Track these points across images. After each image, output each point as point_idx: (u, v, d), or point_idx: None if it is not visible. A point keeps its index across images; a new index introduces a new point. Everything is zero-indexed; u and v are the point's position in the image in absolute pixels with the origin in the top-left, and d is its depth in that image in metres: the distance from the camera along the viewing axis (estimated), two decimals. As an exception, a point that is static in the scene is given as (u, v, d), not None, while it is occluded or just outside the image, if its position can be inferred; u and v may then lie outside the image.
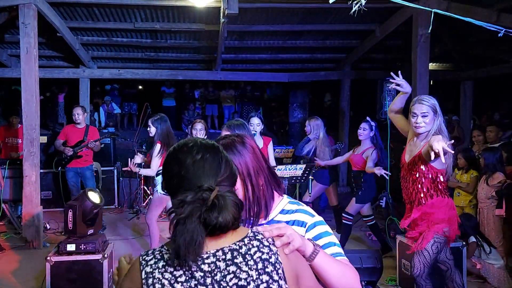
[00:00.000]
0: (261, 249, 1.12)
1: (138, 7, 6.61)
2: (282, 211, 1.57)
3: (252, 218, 1.50)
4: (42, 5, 5.87)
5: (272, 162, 5.29)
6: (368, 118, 5.41)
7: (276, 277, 1.09)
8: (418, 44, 5.90)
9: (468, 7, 5.41)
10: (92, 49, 8.57)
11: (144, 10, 6.78)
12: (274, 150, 6.27)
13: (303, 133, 6.93)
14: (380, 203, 6.12)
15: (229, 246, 1.12)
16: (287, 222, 1.50)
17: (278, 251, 1.13)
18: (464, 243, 4.12)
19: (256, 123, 5.11)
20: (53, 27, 6.66)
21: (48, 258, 3.58)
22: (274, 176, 1.59)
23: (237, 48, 8.56)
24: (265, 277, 1.08)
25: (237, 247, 1.12)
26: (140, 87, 13.99)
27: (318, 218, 1.56)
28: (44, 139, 7.99)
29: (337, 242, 1.53)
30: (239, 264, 1.09)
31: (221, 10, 6.03)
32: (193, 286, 1.07)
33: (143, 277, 1.11)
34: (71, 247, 3.66)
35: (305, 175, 4.74)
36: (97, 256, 3.65)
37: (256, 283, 1.07)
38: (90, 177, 6.47)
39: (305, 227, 1.52)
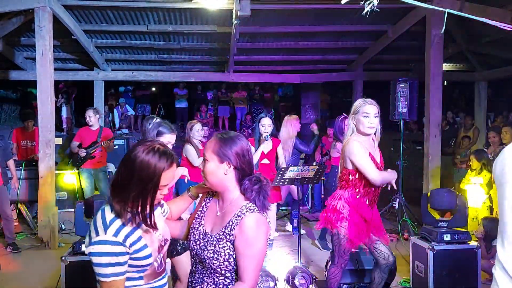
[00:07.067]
0: None
1: (151, 9, 6.68)
2: None
3: None
4: (57, 9, 5.97)
5: (283, 163, 5.31)
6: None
7: None
8: (431, 44, 5.84)
9: (482, 7, 5.36)
10: (106, 51, 8.67)
11: (157, 13, 6.84)
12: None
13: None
14: (393, 204, 6.08)
15: None
16: None
17: None
18: (478, 244, 4.08)
19: (267, 124, 5.13)
20: (68, 30, 6.76)
21: (63, 258, 3.62)
22: None
23: (249, 49, 8.57)
24: None
25: None
26: (153, 88, 14.10)
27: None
28: (59, 140, 8.08)
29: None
30: None
31: (233, 12, 6.06)
32: None
33: None
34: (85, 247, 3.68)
35: (317, 176, 4.74)
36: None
37: None
38: (103, 179, 6.55)
39: None
